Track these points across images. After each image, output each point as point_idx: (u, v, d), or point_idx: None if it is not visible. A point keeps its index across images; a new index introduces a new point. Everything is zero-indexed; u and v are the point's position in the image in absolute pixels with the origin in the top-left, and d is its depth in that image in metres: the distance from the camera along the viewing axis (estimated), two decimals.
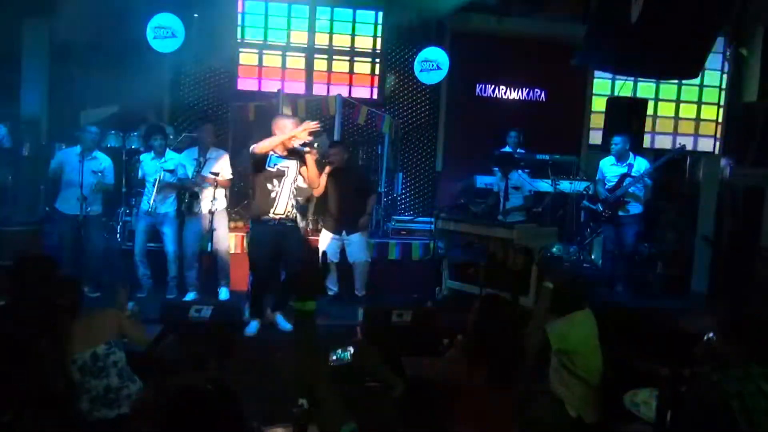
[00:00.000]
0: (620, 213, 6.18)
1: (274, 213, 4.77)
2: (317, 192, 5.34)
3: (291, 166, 4.79)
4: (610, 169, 6.29)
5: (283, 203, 4.78)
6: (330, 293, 5.84)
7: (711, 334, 2.68)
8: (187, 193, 5.60)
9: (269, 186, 4.75)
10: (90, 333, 2.93)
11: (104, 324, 2.97)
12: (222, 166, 5.62)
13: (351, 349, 2.53)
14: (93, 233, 5.54)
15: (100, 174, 5.49)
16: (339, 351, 2.61)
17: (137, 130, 6.82)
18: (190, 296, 5.63)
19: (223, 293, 5.74)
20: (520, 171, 6.60)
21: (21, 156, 6.73)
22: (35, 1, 6.86)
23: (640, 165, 6.15)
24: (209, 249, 5.54)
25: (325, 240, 5.77)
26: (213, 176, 5.45)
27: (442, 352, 3.31)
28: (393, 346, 4.46)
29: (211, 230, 5.53)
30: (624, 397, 3.21)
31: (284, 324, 5.00)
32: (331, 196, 5.61)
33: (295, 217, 4.96)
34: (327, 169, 5.34)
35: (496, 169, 6.70)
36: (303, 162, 4.80)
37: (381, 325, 4.99)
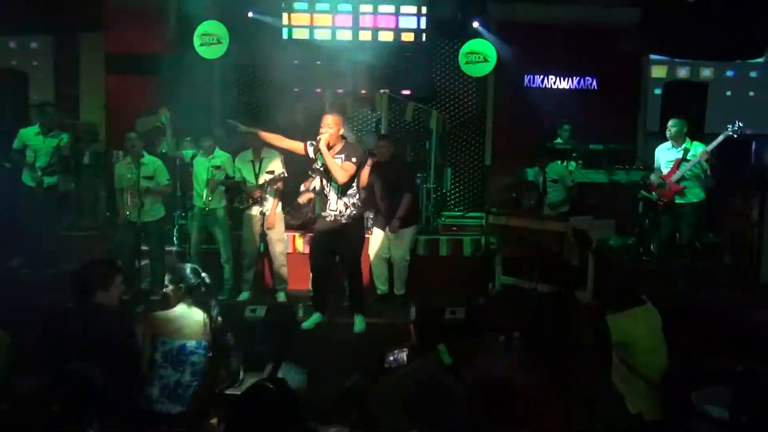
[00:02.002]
0: (678, 200, 5.88)
1: (329, 209, 4.83)
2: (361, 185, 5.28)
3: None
4: (665, 154, 5.98)
5: (334, 200, 4.80)
6: (379, 292, 5.80)
7: None
8: (244, 195, 5.66)
9: (322, 183, 4.88)
10: (188, 326, 3.00)
11: (205, 326, 3.03)
12: (276, 166, 5.66)
13: (406, 350, 2.48)
14: (151, 238, 5.69)
15: (151, 179, 5.60)
16: (395, 352, 2.56)
17: (189, 135, 6.97)
18: (244, 296, 5.69)
19: (281, 297, 5.74)
20: (560, 162, 6.39)
21: (81, 164, 6.99)
22: (90, 17, 7.11)
23: (696, 149, 5.84)
24: (261, 250, 5.60)
25: (375, 237, 5.74)
26: (269, 176, 5.55)
27: (497, 349, 3.25)
28: (447, 344, 4.42)
29: (265, 232, 5.61)
30: (693, 395, 3.06)
31: (360, 326, 4.99)
32: (376, 191, 5.56)
33: (352, 215, 4.85)
34: (369, 162, 5.28)
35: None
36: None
37: (434, 324, 4.94)
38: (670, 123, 5.91)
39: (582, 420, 2.62)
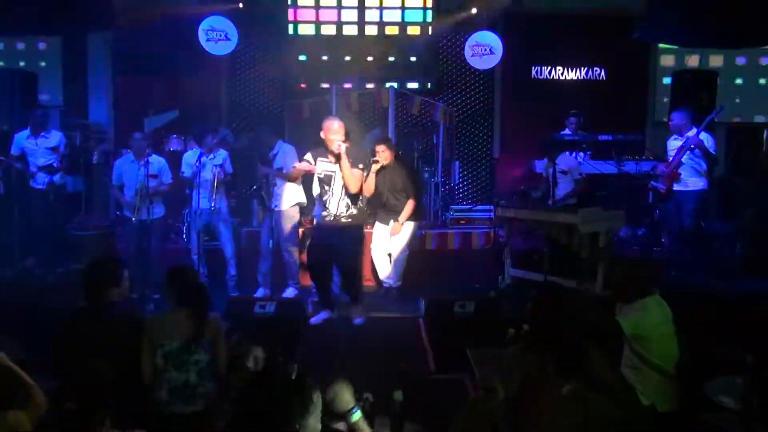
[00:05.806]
0: (676, 188, 5.84)
1: (329, 210, 4.89)
2: (367, 193, 5.29)
3: (337, 170, 4.85)
4: (672, 144, 5.95)
5: (335, 204, 4.87)
6: (385, 285, 5.79)
7: None
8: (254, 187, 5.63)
9: (322, 190, 4.94)
10: (184, 325, 3.00)
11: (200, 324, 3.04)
12: (288, 161, 5.57)
13: None
14: (155, 236, 5.67)
15: (156, 177, 5.56)
16: None
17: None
18: (260, 292, 5.68)
19: (290, 292, 5.71)
20: (570, 153, 6.34)
21: (90, 163, 7.03)
22: (98, 16, 7.14)
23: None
24: (270, 246, 5.60)
25: (379, 232, 5.75)
26: (276, 171, 5.51)
27: (508, 342, 3.23)
28: (457, 337, 4.42)
29: (277, 227, 5.61)
30: (705, 385, 3.04)
31: (357, 319, 5.02)
32: (381, 192, 5.57)
33: (353, 215, 4.92)
34: (374, 168, 5.30)
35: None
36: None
37: (444, 317, 4.94)
38: (671, 115, 5.90)
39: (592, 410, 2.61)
